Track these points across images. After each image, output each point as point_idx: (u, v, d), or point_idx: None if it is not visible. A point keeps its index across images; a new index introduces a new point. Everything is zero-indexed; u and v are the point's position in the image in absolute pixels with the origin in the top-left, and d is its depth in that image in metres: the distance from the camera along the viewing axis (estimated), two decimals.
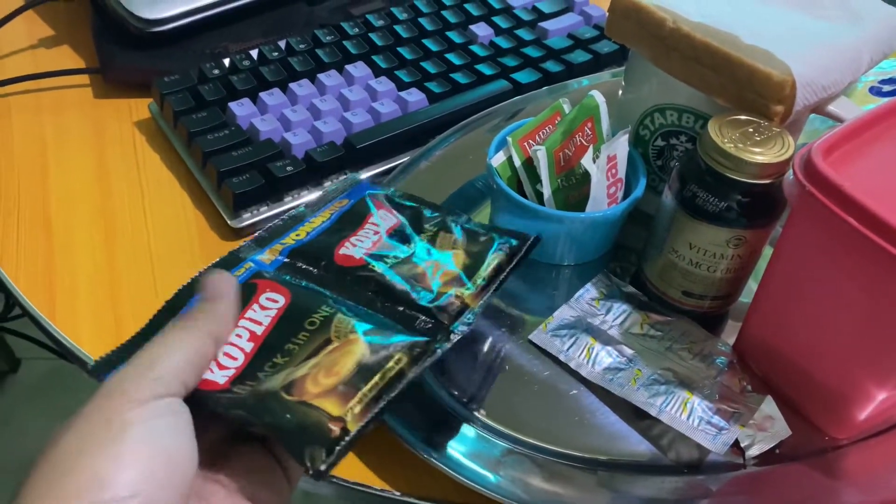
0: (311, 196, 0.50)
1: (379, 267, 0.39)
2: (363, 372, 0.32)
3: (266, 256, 0.39)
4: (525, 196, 0.48)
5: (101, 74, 0.59)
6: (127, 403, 0.26)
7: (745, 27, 0.43)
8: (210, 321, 0.31)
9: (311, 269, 0.39)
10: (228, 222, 0.49)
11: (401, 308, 0.37)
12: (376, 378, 0.32)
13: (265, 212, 0.49)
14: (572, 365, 0.43)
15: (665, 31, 0.44)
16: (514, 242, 0.42)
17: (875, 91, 0.55)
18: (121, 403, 0.26)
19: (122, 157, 0.54)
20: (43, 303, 0.46)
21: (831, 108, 0.44)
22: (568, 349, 0.44)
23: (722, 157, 0.39)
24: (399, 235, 0.42)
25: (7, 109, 0.58)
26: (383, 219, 0.43)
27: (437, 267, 0.40)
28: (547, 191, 0.47)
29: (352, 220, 0.42)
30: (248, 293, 0.35)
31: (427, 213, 0.44)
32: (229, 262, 0.39)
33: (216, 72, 0.55)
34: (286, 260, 0.39)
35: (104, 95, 0.59)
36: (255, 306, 0.35)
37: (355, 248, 0.40)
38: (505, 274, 0.40)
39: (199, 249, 0.49)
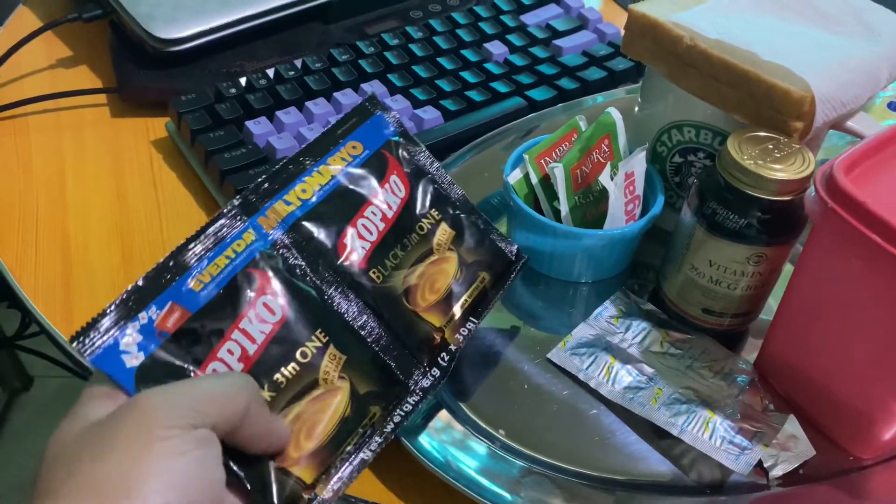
0: None
1: (382, 273, 0.37)
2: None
3: (264, 223, 0.35)
4: (542, 213, 0.48)
5: (119, 94, 0.60)
6: (161, 429, 0.26)
7: (762, 44, 0.43)
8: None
9: (311, 254, 0.35)
10: None
11: (388, 329, 0.37)
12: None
13: None
14: (592, 384, 0.43)
15: (682, 49, 0.44)
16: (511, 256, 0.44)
17: (893, 106, 0.55)
18: (154, 427, 0.26)
19: (140, 176, 0.55)
20: (61, 321, 0.46)
21: (850, 123, 0.44)
22: (587, 368, 0.43)
23: (742, 174, 0.39)
24: (402, 225, 0.39)
25: (26, 129, 0.58)
26: (394, 192, 0.39)
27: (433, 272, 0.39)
28: (564, 208, 0.46)
29: (355, 181, 0.38)
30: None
31: (442, 189, 0.41)
32: (219, 234, 0.34)
33: (233, 91, 0.56)
34: (287, 239, 0.35)
35: (122, 115, 0.59)
36: (251, 313, 0.32)
37: (356, 250, 0.37)
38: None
39: None
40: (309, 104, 0.55)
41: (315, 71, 0.58)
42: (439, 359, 0.38)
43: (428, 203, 0.41)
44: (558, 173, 0.46)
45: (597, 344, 0.44)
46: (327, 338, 0.34)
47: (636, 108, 0.51)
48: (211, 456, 0.27)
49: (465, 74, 0.59)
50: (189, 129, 0.53)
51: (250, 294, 0.33)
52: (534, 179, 0.47)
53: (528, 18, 0.66)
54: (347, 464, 0.34)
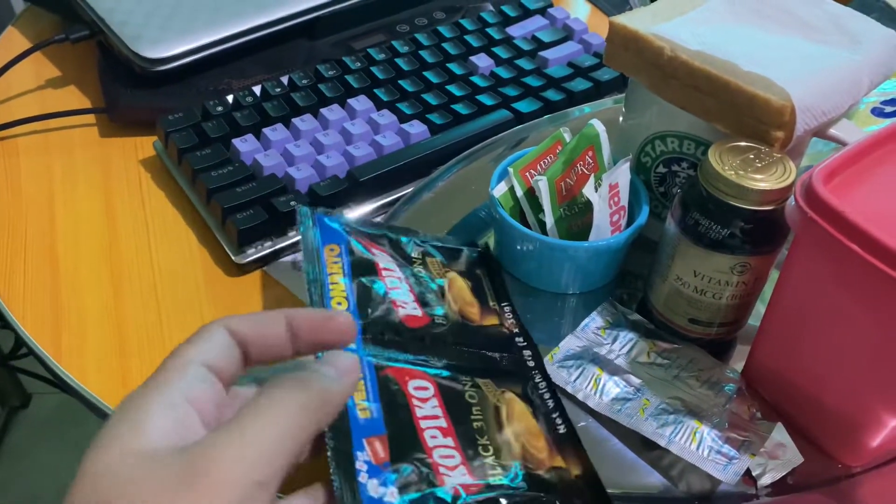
0: None
1: (441, 319, 0.41)
2: (541, 421, 0.39)
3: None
4: (528, 226, 0.48)
5: (108, 114, 0.60)
6: (221, 486, 0.24)
7: (743, 54, 0.43)
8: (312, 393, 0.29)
9: (393, 337, 0.39)
10: (233, 258, 0.49)
11: (481, 349, 0.42)
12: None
13: (269, 247, 0.49)
14: (580, 396, 0.43)
15: (663, 60, 0.44)
16: (478, 246, 0.49)
17: (877, 112, 0.55)
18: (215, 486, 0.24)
19: (129, 196, 0.55)
20: (49, 343, 0.46)
21: (833, 131, 0.44)
22: (575, 380, 0.43)
23: (723, 185, 0.39)
24: (408, 274, 0.43)
25: (15, 150, 0.59)
26: (384, 259, 0.43)
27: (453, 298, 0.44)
28: (550, 220, 0.47)
29: (361, 269, 0.41)
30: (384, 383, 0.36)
31: (403, 239, 0.46)
32: None
33: (219, 109, 0.56)
34: (365, 336, 0.38)
35: (110, 135, 0.60)
36: (415, 400, 0.36)
37: (405, 308, 0.41)
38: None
39: (204, 286, 0.49)
40: (296, 121, 0.55)
41: (301, 87, 0.58)
42: (517, 343, 0.44)
43: (402, 252, 0.45)
44: (542, 186, 0.46)
45: (584, 356, 0.44)
46: (467, 376, 0.39)
47: (621, 119, 0.51)
48: None
49: (452, 88, 0.59)
50: (176, 148, 0.53)
51: (400, 388, 0.36)
52: (519, 192, 0.48)
53: (514, 30, 0.66)
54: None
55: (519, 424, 0.38)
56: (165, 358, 0.29)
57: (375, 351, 0.38)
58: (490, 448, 0.36)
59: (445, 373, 0.38)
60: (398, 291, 0.41)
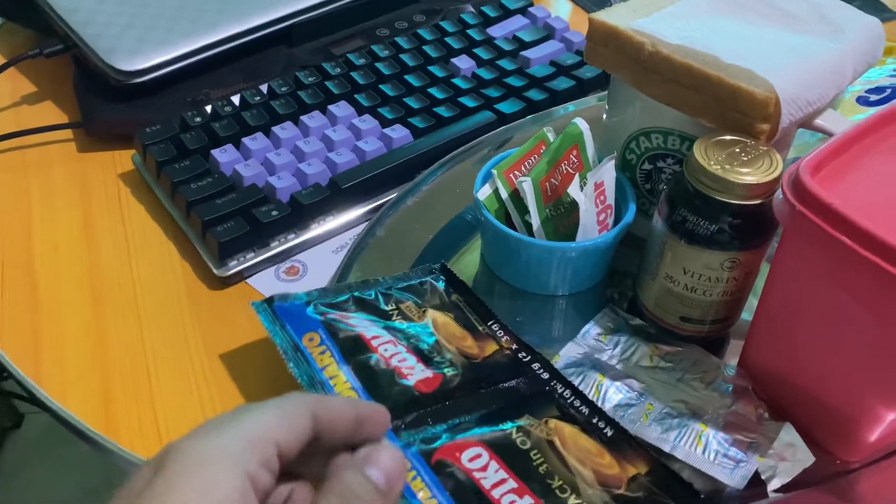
0: (297, 239, 0.50)
1: (450, 370, 0.40)
2: (593, 434, 0.39)
3: None
4: (514, 228, 0.47)
5: (84, 128, 0.59)
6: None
7: (725, 47, 0.42)
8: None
9: (418, 413, 0.37)
10: (214, 271, 0.48)
11: (498, 384, 0.40)
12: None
13: (252, 258, 0.48)
14: None
15: (644, 55, 0.43)
16: (436, 269, 0.47)
17: (862, 101, 0.55)
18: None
19: (108, 211, 0.54)
20: (29, 363, 0.45)
21: (819, 121, 0.44)
22: None
23: (709, 180, 0.39)
24: (395, 333, 0.42)
25: None
26: (366, 326, 0.42)
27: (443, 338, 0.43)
28: (536, 221, 0.46)
29: (351, 349, 0.40)
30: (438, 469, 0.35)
31: (369, 294, 0.44)
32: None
33: (198, 119, 0.55)
34: (394, 424, 0.37)
35: (88, 149, 0.59)
36: (476, 473, 0.35)
37: (413, 373, 0.39)
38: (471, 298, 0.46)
39: (186, 301, 0.48)
40: (276, 129, 0.55)
41: (281, 95, 0.58)
42: (523, 360, 0.42)
43: (376, 310, 0.44)
44: (527, 187, 0.45)
45: (585, 363, 0.43)
46: (507, 422, 0.38)
47: (604, 116, 0.51)
48: None
49: (433, 91, 0.59)
50: (154, 161, 0.52)
51: (457, 468, 0.35)
52: (503, 194, 0.47)
53: (495, 31, 0.66)
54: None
55: (578, 450, 0.37)
56: (238, 413, 0.27)
57: (410, 437, 0.36)
58: (567, 488, 0.35)
59: (486, 429, 0.37)
60: (397, 357, 0.40)
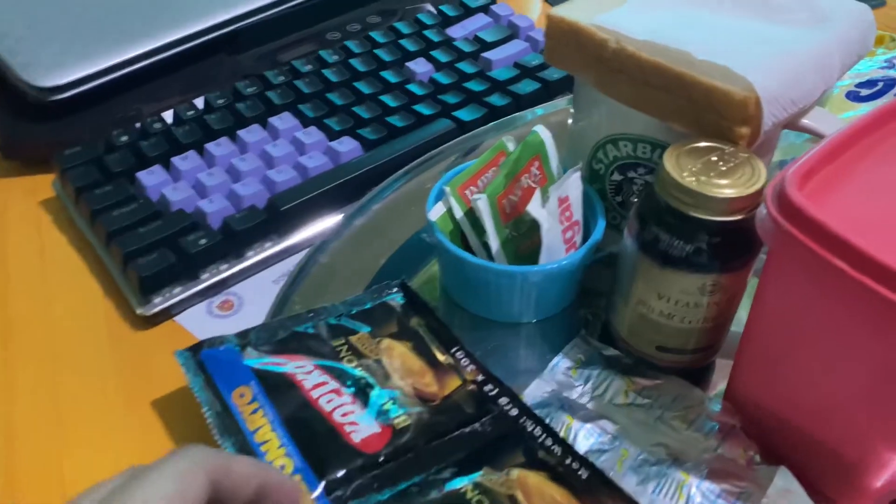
0: (231, 270, 0.45)
1: (401, 419, 0.36)
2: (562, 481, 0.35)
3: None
4: (471, 250, 0.42)
5: (2, 151, 0.54)
6: None
7: (698, 41, 0.37)
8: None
9: (364, 480, 0.33)
10: (136, 310, 0.43)
11: (458, 428, 0.36)
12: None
13: (179, 293, 0.43)
14: None
15: (608, 53, 0.38)
16: (394, 287, 0.43)
17: (853, 96, 0.50)
18: None
19: (26, 242, 0.49)
20: None
21: (805, 121, 0.39)
22: None
23: (683, 194, 0.34)
24: (343, 378, 0.37)
25: None
26: (308, 372, 0.37)
27: (396, 374, 0.38)
28: (494, 243, 0.41)
29: (287, 404, 0.36)
30: None
31: (311, 328, 0.40)
32: None
33: (124, 139, 0.50)
34: (358, 483, 0.33)
35: (8, 174, 0.53)
36: None
37: (358, 429, 0.35)
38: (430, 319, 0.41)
39: (107, 343, 0.43)
40: (209, 146, 0.50)
41: (217, 108, 0.53)
42: (489, 394, 0.38)
43: (322, 349, 0.39)
44: (482, 205, 0.40)
45: (552, 402, 0.38)
46: (464, 479, 0.34)
47: (569, 122, 0.46)
48: None
49: (386, 98, 0.54)
50: (73, 186, 0.47)
51: None
52: (458, 214, 0.42)
53: (455, 31, 0.61)
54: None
55: (544, 502, 0.33)
56: (129, 484, 0.24)
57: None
58: None
59: (436, 493, 0.33)
60: (340, 411, 0.35)
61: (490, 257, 0.41)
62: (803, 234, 0.28)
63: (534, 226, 0.40)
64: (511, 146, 0.44)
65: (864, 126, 0.33)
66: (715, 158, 0.35)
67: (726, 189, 0.33)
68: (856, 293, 0.27)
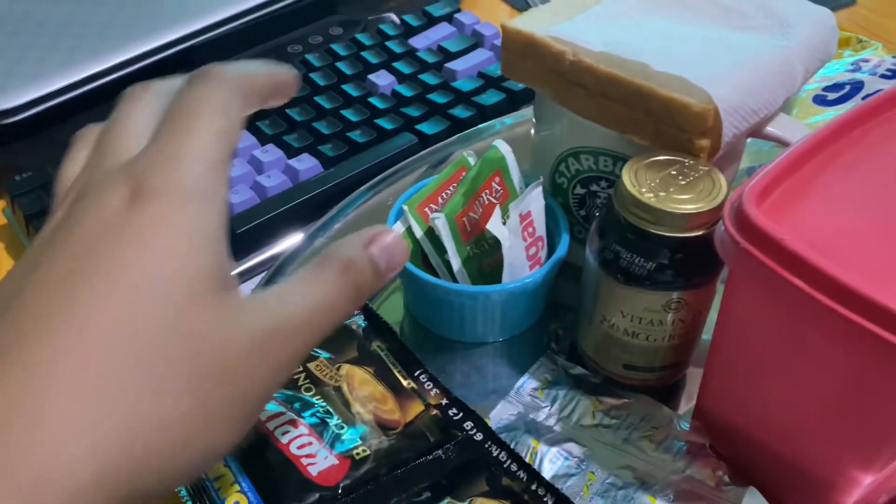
0: None
1: (361, 450, 0.34)
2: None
3: None
4: (433, 269, 0.41)
5: None
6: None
7: (656, 52, 0.36)
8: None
9: None
10: None
11: (420, 457, 0.35)
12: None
13: None
14: None
15: (566, 66, 0.37)
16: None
17: (820, 100, 0.49)
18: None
19: None
20: None
21: (770, 129, 0.38)
22: None
23: (642, 211, 0.33)
24: (295, 403, 0.36)
25: None
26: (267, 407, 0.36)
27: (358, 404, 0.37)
28: (456, 262, 0.40)
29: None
30: None
31: None
32: None
33: None
34: None
35: None
36: None
37: (316, 461, 0.34)
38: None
39: None
40: None
41: None
42: (453, 418, 0.37)
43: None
44: (441, 224, 0.39)
45: (518, 425, 0.37)
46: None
47: (532, 133, 0.45)
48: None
49: (347, 113, 0.53)
50: (23, 214, 0.46)
51: None
52: (418, 233, 0.41)
53: (418, 42, 0.60)
54: None
55: None
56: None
57: None
58: None
59: None
60: (296, 443, 0.34)
61: (452, 276, 0.40)
62: (761, 252, 0.28)
63: (495, 243, 0.39)
64: (472, 160, 0.43)
65: (823, 137, 0.32)
66: (675, 172, 0.34)
67: (686, 204, 0.32)
68: (815, 311, 0.26)
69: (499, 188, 0.41)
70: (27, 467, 0.19)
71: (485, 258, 0.41)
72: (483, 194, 0.41)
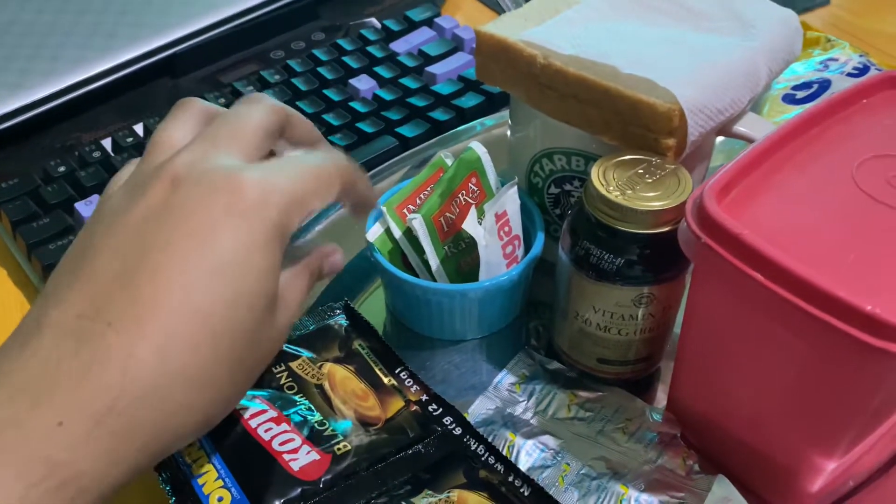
0: None
1: (342, 445, 0.35)
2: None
3: None
4: (412, 269, 0.42)
5: None
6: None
7: (624, 54, 0.37)
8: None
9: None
10: None
11: (400, 451, 0.36)
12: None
13: None
14: None
15: (537, 69, 0.38)
16: (337, 309, 0.42)
17: (789, 99, 0.50)
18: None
19: None
20: None
21: (739, 128, 0.39)
22: None
23: (609, 208, 0.34)
24: (278, 402, 0.37)
25: None
26: (244, 404, 0.36)
27: (339, 399, 0.37)
28: (434, 262, 0.41)
29: (223, 433, 0.35)
30: None
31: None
32: None
33: (62, 169, 0.49)
34: None
35: None
36: None
37: (298, 457, 0.34)
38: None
39: None
40: None
41: None
42: (433, 414, 0.37)
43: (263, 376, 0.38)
44: (418, 225, 0.40)
45: (496, 420, 0.38)
46: (403, 499, 0.34)
47: (508, 133, 0.46)
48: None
49: (328, 117, 0.54)
50: (9, 220, 0.46)
51: None
52: (396, 233, 0.42)
53: (398, 46, 0.61)
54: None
55: None
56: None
57: None
58: None
59: None
60: (279, 439, 0.35)
61: (431, 276, 0.41)
62: (722, 247, 0.29)
63: (472, 243, 0.40)
64: (449, 162, 0.44)
65: (783, 135, 0.33)
66: (642, 171, 0.35)
67: (652, 202, 0.34)
68: (774, 304, 0.28)
69: (475, 189, 0.42)
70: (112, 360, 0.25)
71: (462, 257, 0.42)
72: (460, 195, 0.42)
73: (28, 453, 0.23)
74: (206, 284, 0.26)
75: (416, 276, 0.42)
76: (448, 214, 0.41)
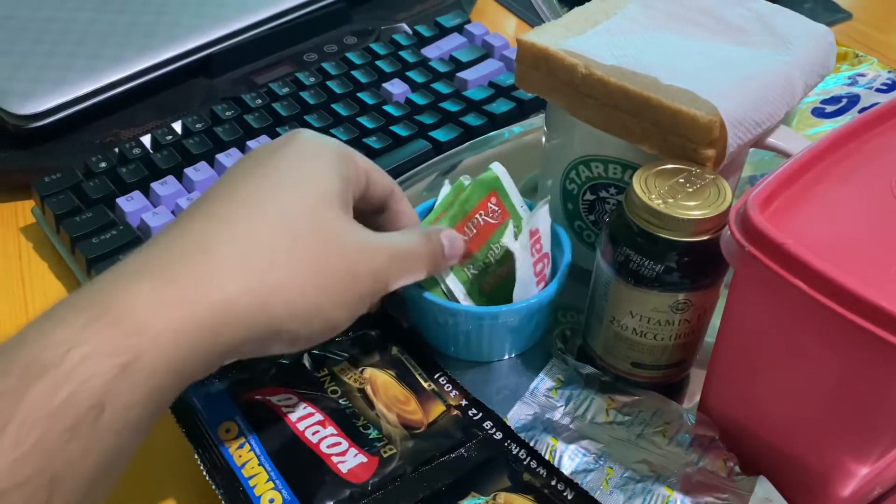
0: None
1: (388, 448, 0.36)
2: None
3: None
4: (440, 290, 0.42)
5: None
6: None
7: (664, 66, 0.38)
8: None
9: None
10: None
11: (443, 455, 0.36)
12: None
13: None
14: None
15: (578, 78, 0.39)
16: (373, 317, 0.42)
17: (818, 112, 0.51)
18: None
19: (6, 271, 0.49)
20: None
21: (772, 140, 0.40)
22: None
23: (651, 216, 0.35)
24: (323, 405, 0.37)
25: None
26: (293, 404, 0.37)
27: (383, 403, 0.38)
28: (456, 286, 0.41)
29: (275, 437, 0.36)
30: None
31: (291, 361, 0.40)
32: None
33: (103, 165, 0.50)
34: None
35: None
36: None
37: (345, 459, 0.35)
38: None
39: None
40: (188, 171, 0.50)
41: (195, 132, 0.53)
42: (473, 418, 0.39)
43: (305, 377, 0.39)
44: None
45: (536, 425, 0.39)
46: (451, 501, 0.35)
47: (543, 140, 0.47)
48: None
49: (363, 120, 0.54)
50: (53, 213, 0.47)
51: None
52: None
53: (430, 51, 0.62)
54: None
55: None
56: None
57: None
58: None
59: None
60: (326, 442, 0.36)
61: (453, 297, 0.41)
62: (765, 256, 0.29)
63: (502, 259, 0.41)
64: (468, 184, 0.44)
65: (824, 148, 0.34)
66: (682, 180, 0.36)
67: (693, 210, 0.34)
68: (816, 312, 0.28)
69: (496, 208, 0.42)
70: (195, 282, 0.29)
71: (485, 276, 0.42)
72: (477, 215, 0.41)
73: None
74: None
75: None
76: (464, 237, 0.41)
